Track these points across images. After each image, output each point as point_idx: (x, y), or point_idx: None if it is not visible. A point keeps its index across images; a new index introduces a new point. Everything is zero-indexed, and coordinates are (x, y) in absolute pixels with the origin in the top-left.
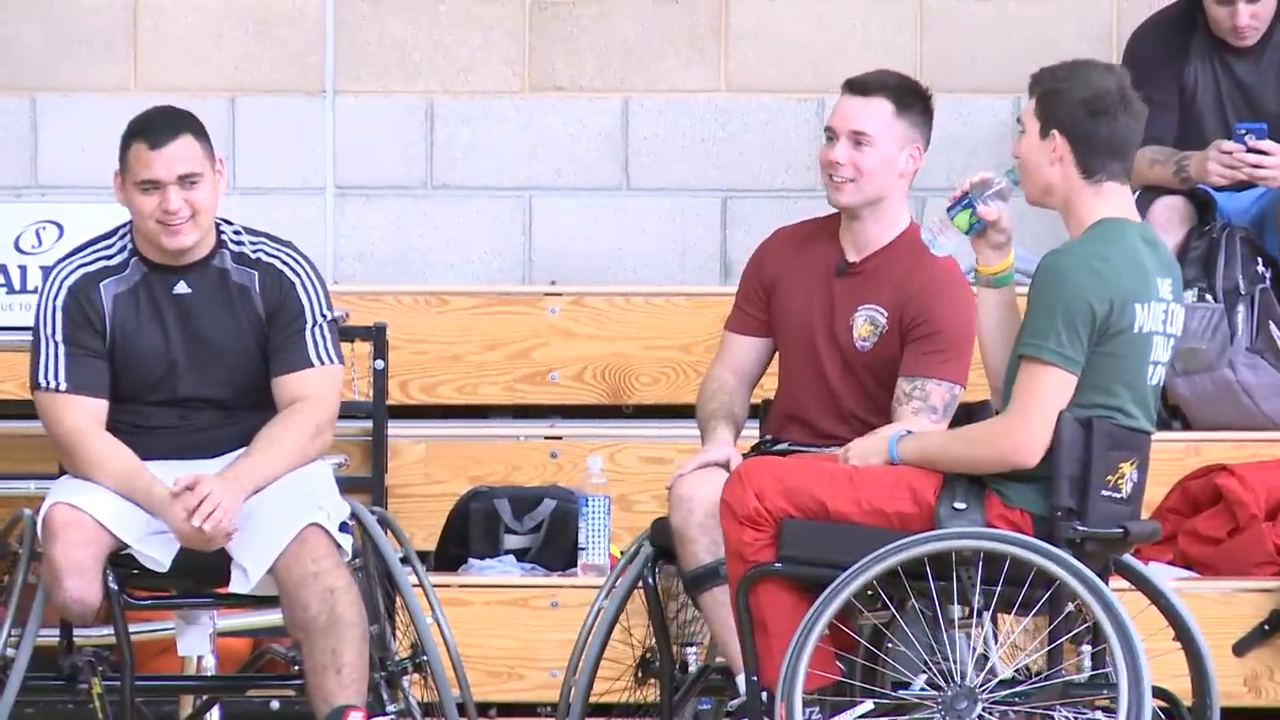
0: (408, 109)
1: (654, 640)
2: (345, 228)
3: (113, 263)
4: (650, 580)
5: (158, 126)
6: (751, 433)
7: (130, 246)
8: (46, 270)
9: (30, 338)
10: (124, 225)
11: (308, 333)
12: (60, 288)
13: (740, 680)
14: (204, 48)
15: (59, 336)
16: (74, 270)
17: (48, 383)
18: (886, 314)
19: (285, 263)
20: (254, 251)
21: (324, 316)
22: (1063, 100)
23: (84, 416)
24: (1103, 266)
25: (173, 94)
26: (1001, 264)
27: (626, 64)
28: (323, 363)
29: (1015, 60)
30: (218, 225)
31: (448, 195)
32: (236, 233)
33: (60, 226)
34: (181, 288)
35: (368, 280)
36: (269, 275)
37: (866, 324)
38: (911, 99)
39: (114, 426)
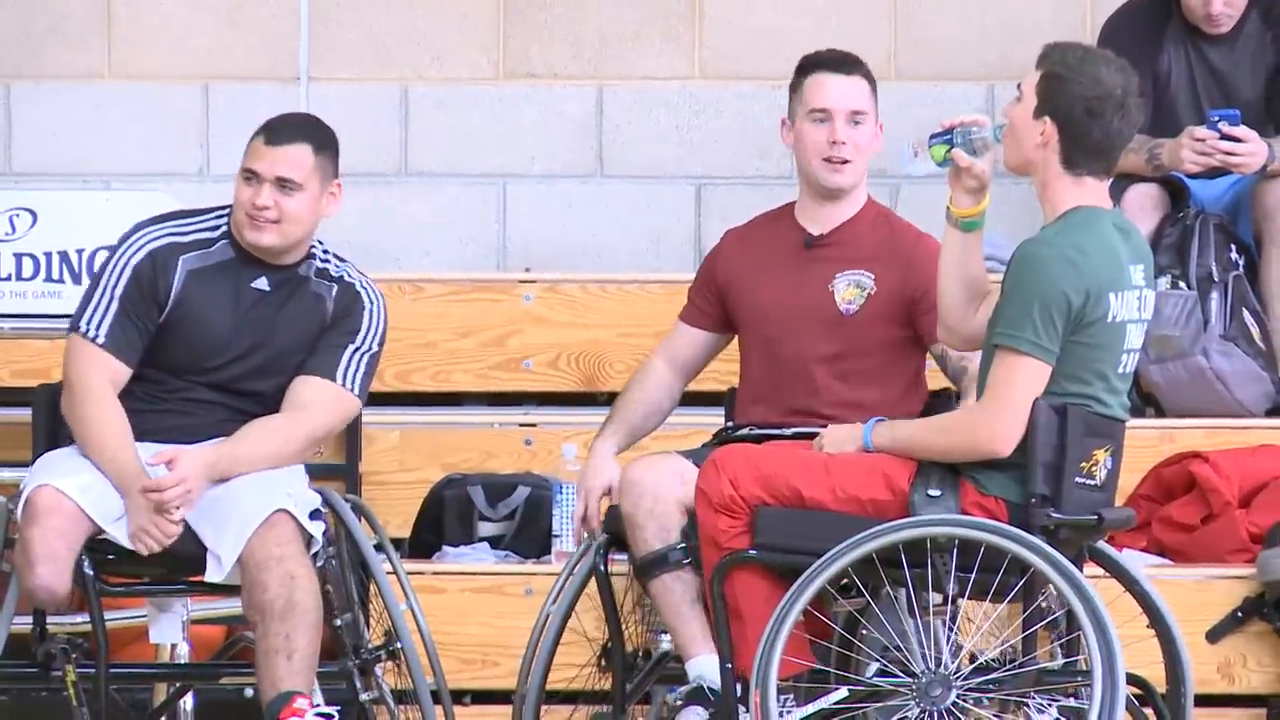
0: (382, 96)
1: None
2: None
3: (201, 237)
4: (602, 568)
5: (283, 127)
6: (715, 419)
7: (225, 228)
8: (134, 225)
9: (91, 280)
10: (223, 206)
11: (348, 351)
12: (143, 248)
13: (689, 666)
14: (178, 35)
15: (118, 292)
16: (163, 235)
17: (87, 329)
18: (874, 276)
19: (363, 286)
20: (337, 271)
21: (370, 349)
22: (1064, 90)
23: (103, 378)
24: (1078, 257)
25: (147, 81)
26: (973, 209)
27: (600, 51)
28: (344, 385)
29: (989, 48)
30: (311, 244)
31: (422, 182)
32: (326, 253)
33: (34, 213)
34: (261, 283)
35: None
36: (347, 292)
37: (851, 287)
38: (871, 73)
39: (137, 393)
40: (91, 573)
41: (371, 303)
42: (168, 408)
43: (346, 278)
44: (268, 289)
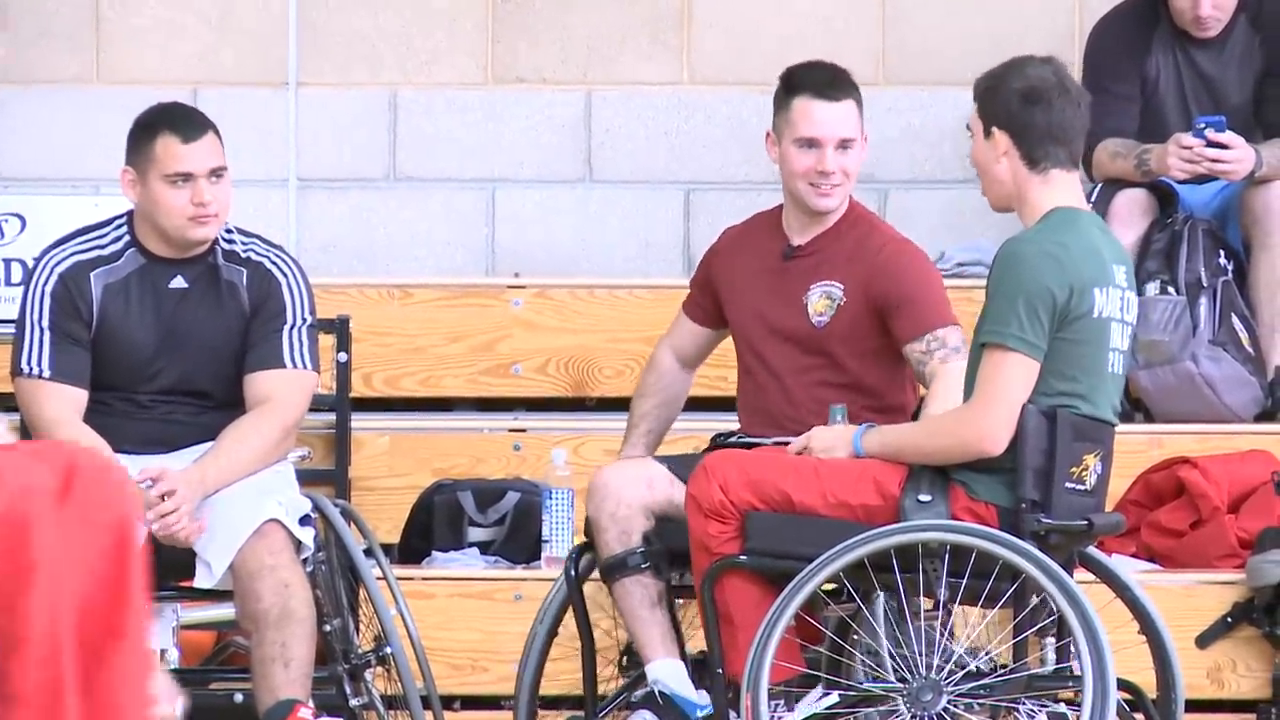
0: (371, 101)
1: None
2: (308, 220)
3: (105, 252)
4: (573, 571)
5: (187, 121)
6: (716, 423)
7: (128, 238)
8: (37, 256)
9: (14, 323)
10: (119, 216)
11: (285, 333)
12: (51, 274)
13: (647, 670)
14: (166, 39)
15: (45, 323)
16: (67, 257)
17: (31, 369)
18: (843, 287)
19: (274, 262)
20: (245, 250)
21: (304, 320)
22: (999, 94)
23: (64, 406)
24: (1061, 253)
25: (135, 86)
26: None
27: (589, 56)
28: (295, 366)
29: (978, 52)
30: None
31: (411, 187)
32: (229, 231)
33: (23, 219)
34: (178, 281)
35: (331, 273)
36: (257, 273)
37: (822, 299)
38: (859, 90)
39: (91, 412)
40: None
41: (285, 275)
42: (129, 417)
43: (255, 256)
44: (186, 285)
